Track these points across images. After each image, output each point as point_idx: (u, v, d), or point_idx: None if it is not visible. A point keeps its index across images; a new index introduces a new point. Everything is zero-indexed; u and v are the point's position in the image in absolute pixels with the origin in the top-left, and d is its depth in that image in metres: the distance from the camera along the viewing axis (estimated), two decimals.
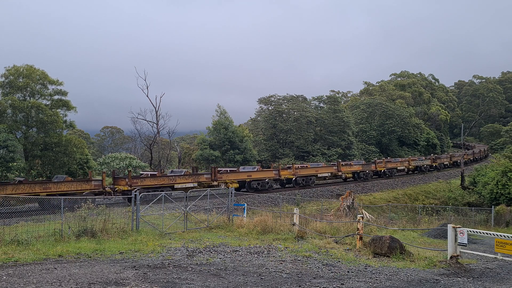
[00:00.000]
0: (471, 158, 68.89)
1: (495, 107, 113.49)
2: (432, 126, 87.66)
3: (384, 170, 46.68)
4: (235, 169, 34.83)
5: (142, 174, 31.24)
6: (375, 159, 50.91)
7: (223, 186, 29.91)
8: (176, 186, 27.75)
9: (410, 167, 51.93)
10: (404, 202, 39.45)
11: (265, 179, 33.66)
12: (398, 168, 49.85)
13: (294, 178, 35.92)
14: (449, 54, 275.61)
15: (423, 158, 57.51)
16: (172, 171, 31.27)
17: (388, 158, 56.94)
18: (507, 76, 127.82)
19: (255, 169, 33.73)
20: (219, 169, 33.94)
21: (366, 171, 44.01)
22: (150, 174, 28.74)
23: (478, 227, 25.86)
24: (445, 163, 60.88)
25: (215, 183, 29.90)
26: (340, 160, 44.59)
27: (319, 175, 38.74)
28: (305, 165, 40.73)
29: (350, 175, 42.57)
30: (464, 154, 66.77)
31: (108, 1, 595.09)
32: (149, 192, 24.74)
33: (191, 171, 32.85)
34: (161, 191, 25.02)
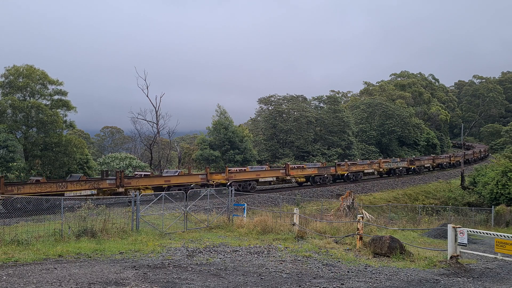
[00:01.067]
0: (459, 161, 62.77)
1: (495, 107, 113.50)
2: (432, 126, 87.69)
3: (347, 173, 42.27)
4: (150, 173, 31.46)
5: (30, 179, 26.19)
6: (335, 161, 46.97)
7: (132, 193, 27.13)
8: (67, 194, 23.73)
9: (381, 170, 47.40)
10: (404, 202, 39.46)
11: (190, 185, 30.17)
12: (366, 171, 45.28)
13: (228, 183, 31.83)
14: (449, 54, 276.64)
15: (398, 160, 52.52)
16: (71, 175, 27.48)
17: (358, 160, 52.47)
18: (507, 76, 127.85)
19: (177, 174, 30.25)
20: (136, 173, 31.37)
21: (324, 175, 39.75)
22: (35, 180, 24.41)
23: (478, 227, 25.87)
24: (426, 165, 55.56)
25: (121, 189, 26.26)
26: (289, 163, 40.25)
27: (261, 179, 34.69)
28: (243, 168, 36.49)
29: (303, 179, 38.44)
30: (452, 156, 63.53)
31: (108, 1, 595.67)
32: (30, 202, 20.36)
33: (87, 177, 28.22)
34: (46, 200, 21.17)
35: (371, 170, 46.38)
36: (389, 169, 49.31)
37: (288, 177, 36.82)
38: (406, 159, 53.60)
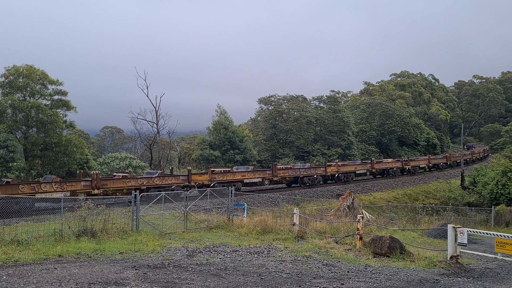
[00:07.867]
0: (457, 161, 61.24)
1: (495, 107, 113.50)
2: (432, 126, 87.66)
3: (337, 174, 41.20)
4: (127, 174, 30.21)
5: (1, 181, 24.88)
6: (324, 161, 46.05)
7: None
8: (38, 196, 22.72)
9: (374, 170, 46.42)
10: (404, 202, 39.44)
11: (171, 186, 29.28)
12: (357, 172, 44.16)
13: (211, 185, 30.96)
14: (449, 54, 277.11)
15: (391, 160, 51.45)
16: (45, 177, 26.20)
17: (348, 161, 50.22)
18: (507, 76, 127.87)
19: (156, 175, 29.25)
20: (115, 174, 30.58)
21: (313, 175, 38.70)
22: (5, 182, 23.22)
23: (478, 227, 25.87)
24: (421, 165, 54.47)
25: (96, 191, 25.51)
26: (276, 163, 39.01)
27: (247, 180, 33.98)
28: (228, 169, 35.60)
29: (292, 180, 37.75)
30: (449, 156, 62.87)
31: (97, 4, 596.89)
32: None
33: (60, 179, 26.62)
34: (16, 202, 20.03)
35: (363, 171, 45.37)
36: (383, 170, 48.51)
37: (276, 178, 35.58)
38: (400, 159, 52.38)
